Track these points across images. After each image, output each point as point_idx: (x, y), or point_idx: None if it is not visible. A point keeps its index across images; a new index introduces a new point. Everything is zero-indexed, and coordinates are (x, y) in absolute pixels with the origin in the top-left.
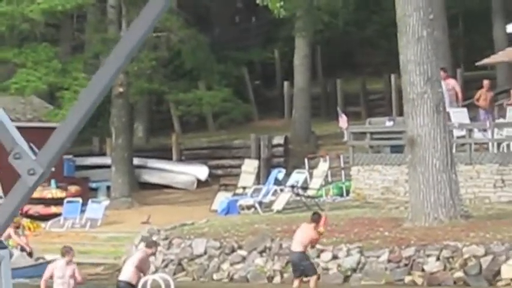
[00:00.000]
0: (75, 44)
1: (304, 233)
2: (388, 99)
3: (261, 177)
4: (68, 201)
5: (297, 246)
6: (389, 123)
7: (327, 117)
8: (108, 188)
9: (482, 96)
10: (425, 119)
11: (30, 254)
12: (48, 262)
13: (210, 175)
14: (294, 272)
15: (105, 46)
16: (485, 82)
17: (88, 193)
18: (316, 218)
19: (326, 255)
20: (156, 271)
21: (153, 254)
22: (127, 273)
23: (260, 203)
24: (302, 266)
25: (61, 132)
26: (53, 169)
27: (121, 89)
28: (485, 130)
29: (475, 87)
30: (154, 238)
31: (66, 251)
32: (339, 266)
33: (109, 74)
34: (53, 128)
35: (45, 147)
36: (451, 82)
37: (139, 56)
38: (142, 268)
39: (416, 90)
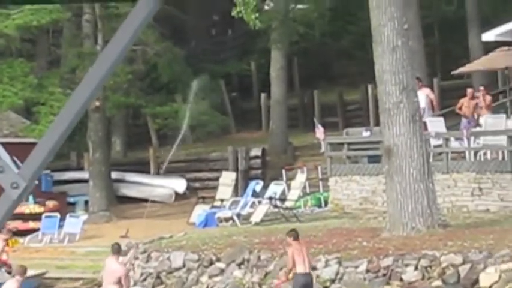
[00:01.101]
0: (51, 58)
1: (307, 253)
2: (365, 109)
3: (238, 189)
4: (46, 216)
5: (308, 268)
6: (366, 134)
7: (305, 129)
8: (86, 202)
9: (465, 104)
10: (401, 128)
11: (9, 271)
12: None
13: (188, 188)
14: None
15: (81, 60)
16: (469, 90)
17: (66, 208)
18: (293, 235)
19: None
20: (135, 285)
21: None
22: None
23: (238, 215)
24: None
25: (43, 146)
26: None
27: (97, 103)
28: (461, 139)
29: (452, 96)
30: (131, 252)
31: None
32: (317, 277)
33: (90, 89)
34: (30, 144)
35: (27, 161)
36: (426, 91)
37: (115, 70)
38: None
39: (392, 100)
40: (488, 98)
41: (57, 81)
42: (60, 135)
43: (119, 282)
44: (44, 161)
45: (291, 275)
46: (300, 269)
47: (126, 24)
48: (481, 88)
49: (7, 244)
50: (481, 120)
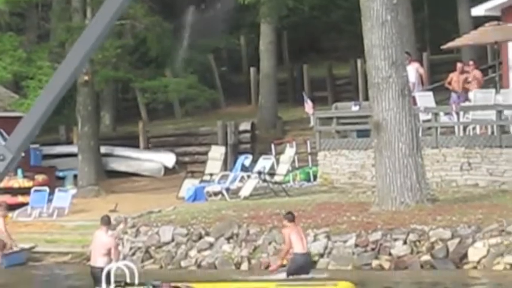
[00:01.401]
0: (40, 33)
1: (304, 233)
2: (355, 84)
3: (228, 164)
4: (35, 191)
5: (306, 247)
6: (355, 108)
7: (294, 103)
8: (75, 176)
9: (455, 78)
10: (390, 103)
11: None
12: (17, 251)
13: (177, 162)
14: (303, 273)
15: (70, 34)
16: (459, 65)
17: (55, 182)
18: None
19: None
20: (124, 259)
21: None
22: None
23: (227, 189)
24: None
25: (29, 118)
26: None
27: (86, 78)
28: (450, 114)
29: (441, 71)
30: (121, 226)
31: None
32: None
33: (75, 62)
34: (19, 118)
35: (14, 133)
36: (415, 65)
37: (104, 44)
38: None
39: (381, 75)
40: (478, 72)
41: (46, 56)
42: (46, 108)
43: (108, 254)
44: (31, 133)
45: (286, 259)
46: (298, 248)
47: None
48: (471, 63)
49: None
50: (471, 95)
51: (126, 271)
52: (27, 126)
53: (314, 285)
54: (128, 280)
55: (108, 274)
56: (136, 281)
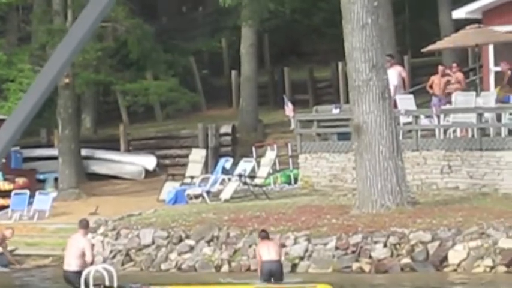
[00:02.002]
0: (21, 35)
1: (274, 244)
2: (336, 86)
3: (208, 167)
4: (16, 193)
5: (273, 255)
6: (335, 111)
7: (275, 106)
8: (56, 179)
9: (436, 81)
10: (370, 106)
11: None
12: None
13: (158, 165)
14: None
15: (51, 37)
16: (440, 68)
17: (36, 185)
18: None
19: None
20: (104, 262)
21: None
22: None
23: (208, 192)
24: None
25: (11, 123)
26: None
27: (67, 80)
28: (430, 117)
29: (422, 74)
30: (102, 229)
31: None
32: (286, 254)
33: (58, 66)
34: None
35: None
36: (398, 69)
37: (85, 47)
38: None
39: (362, 77)
40: (461, 75)
41: (27, 58)
42: (28, 112)
43: (83, 257)
44: (12, 138)
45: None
46: (265, 257)
47: (94, 1)
48: (454, 65)
49: None
50: (452, 98)
51: (105, 274)
52: (8, 131)
53: (294, 286)
54: (107, 283)
55: (87, 277)
56: (115, 284)
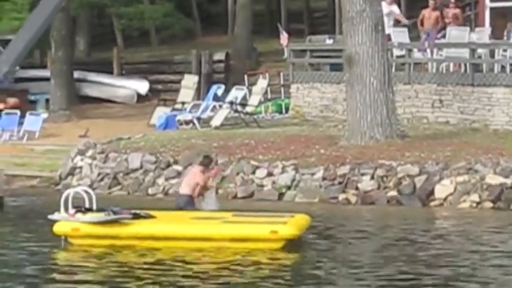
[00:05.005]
0: None
1: (191, 175)
2: (332, 17)
3: (201, 93)
4: (6, 113)
5: (185, 189)
6: (329, 42)
7: (270, 34)
8: (48, 100)
9: (426, 15)
10: (363, 37)
11: None
12: None
13: (151, 90)
14: None
15: None
16: (431, 2)
17: (27, 105)
18: (205, 162)
19: (261, 172)
20: (91, 184)
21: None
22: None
23: (198, 118)
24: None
25: (23, 34)
26: None
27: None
28: (424, 50)
29: (418, 7)
30: (90, 152)
31: None
32: (273, 182)
33: None
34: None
35: (6, 50)
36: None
37: None
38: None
39: (356, 9)
40: (458, 11)
41: None
42: (38, 27)
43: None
44: (23, 50)
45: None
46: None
47: None
48: (452, 0)
49: None
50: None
51: (85, 196)
52: (19, 43)
53: (271, 216)
54: (87, 205)
55: (67, 199)
56: (94, 207)
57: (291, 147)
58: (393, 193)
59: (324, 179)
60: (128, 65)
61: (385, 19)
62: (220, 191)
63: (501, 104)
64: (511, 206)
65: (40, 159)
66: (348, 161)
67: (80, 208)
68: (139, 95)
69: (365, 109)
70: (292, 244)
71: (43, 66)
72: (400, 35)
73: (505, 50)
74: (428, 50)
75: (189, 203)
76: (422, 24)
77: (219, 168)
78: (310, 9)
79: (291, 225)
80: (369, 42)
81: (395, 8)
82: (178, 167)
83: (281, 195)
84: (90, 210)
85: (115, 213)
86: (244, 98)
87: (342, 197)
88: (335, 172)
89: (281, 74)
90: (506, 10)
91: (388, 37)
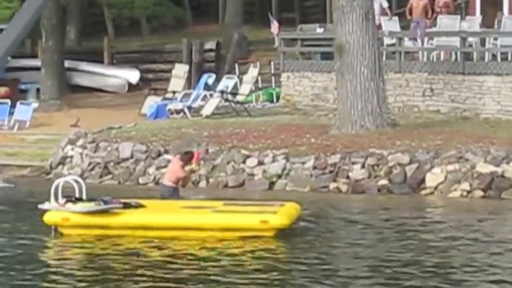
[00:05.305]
0: None
1: (173, 168)
2: (323, 6)
3: (192, 82)
4: None
5: (168, 179)
6: (319, 30)
7: (261, 23)
8: (39, 90)
9: (414, 4)
10: (354, 26)
11: None
12: None
13: (141, 79)
14: None
15: None
16: None
17: (18, 95)
18: (185, 158)
19: (252, 161)
20: (82, 174)
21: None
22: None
23: (189, 107)
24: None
25: (14, 25)
26: None
27: None
28: (415, 39)
29: None
30: (81, 141)
31: None
32: (264, 172)
33: None
34: None
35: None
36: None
37: None
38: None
39: None
40: None
41: None
42: (30, 16)
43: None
44: (16, 39)
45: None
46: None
47: None
48: None
49: None
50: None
51: (75, 185)
52: (12, 32)
53: (261, 204)
54: (77, 195)
55: (56, 188)
56: (84, 197)
57: (281, 136)
58: (384, 182)
59: (314, 168)
60: (119, 54)
61: (376, 6)
62: (211, 180)
63: (492, 92)
64: (501, 194)
65: (31, 148)
66: (338, 149)
67: (70, 198)
68: (130, 84)
69: (356, 98)
70: (282, 233)
71: (34, 56)
72: (390, 24)
73: (495, 39)
74: (419, 40)
75: (173, 194)
76: (410, 13)
77: (200, 153)
78: None
79: (281, 215)
80: (359, 31)
81: (384, 2)
82: (169, 156)
83: (272, 184)
84: (80, 199)
85: (105, 202)
86: (235, 87)
87: (332, 185)
88: (326, 161)
89: (272, 63)
90: None
91: (379, 26)
